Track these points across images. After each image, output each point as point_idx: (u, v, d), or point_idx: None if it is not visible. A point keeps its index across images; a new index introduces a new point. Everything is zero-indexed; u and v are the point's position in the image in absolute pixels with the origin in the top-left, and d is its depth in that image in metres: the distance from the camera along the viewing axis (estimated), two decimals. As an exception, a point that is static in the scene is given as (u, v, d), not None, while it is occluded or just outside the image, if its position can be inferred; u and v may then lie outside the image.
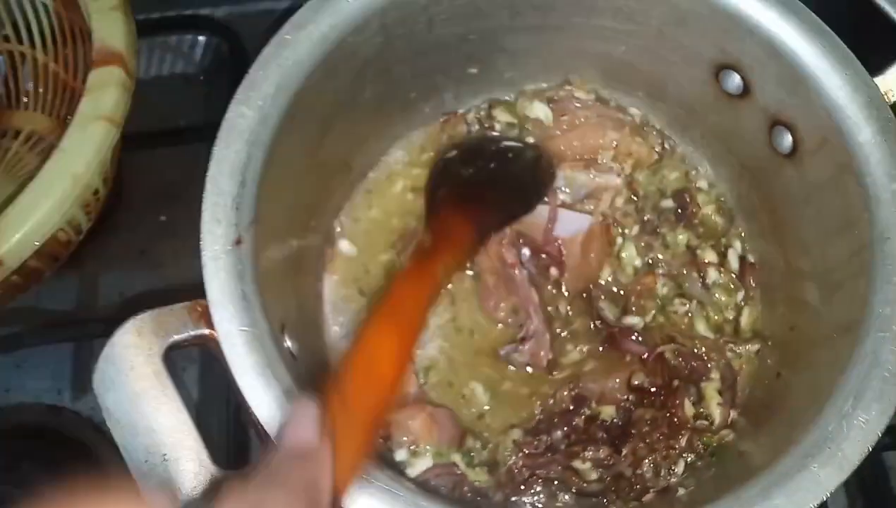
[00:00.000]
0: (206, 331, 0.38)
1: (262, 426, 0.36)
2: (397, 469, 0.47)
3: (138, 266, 0.64)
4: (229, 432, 0.56)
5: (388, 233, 0.56)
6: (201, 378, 0.60)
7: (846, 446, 0.37)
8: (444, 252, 0.47)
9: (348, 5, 0.46)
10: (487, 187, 0.54)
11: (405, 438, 0.48)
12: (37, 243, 0.46)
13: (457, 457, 0.49)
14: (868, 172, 0.42)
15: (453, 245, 0.48)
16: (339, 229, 0.57)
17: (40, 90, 0.64)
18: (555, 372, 0.53)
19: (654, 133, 0.58)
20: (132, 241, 0.65)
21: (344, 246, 0.56)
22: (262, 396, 0.36)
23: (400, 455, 0.48)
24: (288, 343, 0.43)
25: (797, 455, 0.37)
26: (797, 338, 0.49)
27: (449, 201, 0.53)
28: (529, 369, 0.52)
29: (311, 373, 0.44)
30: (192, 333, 0.38)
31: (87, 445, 0.58)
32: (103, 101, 0.48)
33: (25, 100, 0.65)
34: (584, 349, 0.54)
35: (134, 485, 0.34)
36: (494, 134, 0.59)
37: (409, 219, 0.56)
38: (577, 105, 0.59)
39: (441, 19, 0.51)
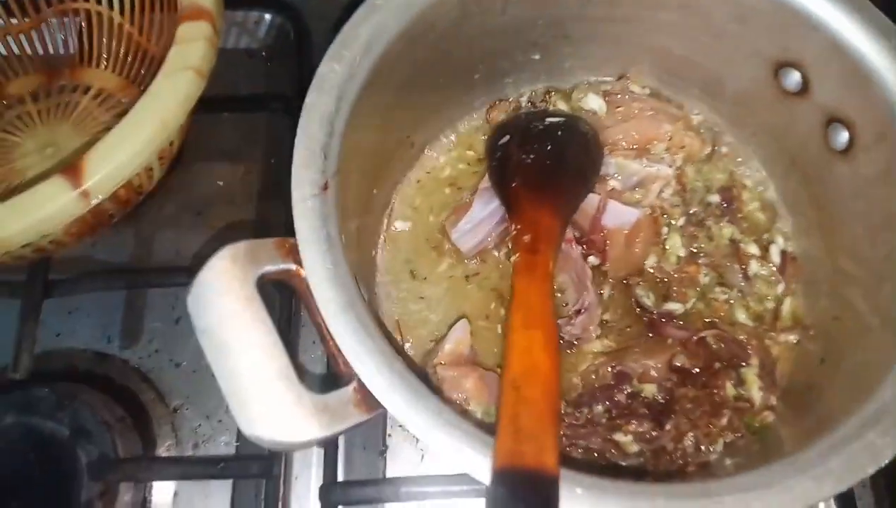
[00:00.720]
0: (294, 267, 0.40)
1: (343, 356, 0.37)
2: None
3: (193, 227, 0.66)
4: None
5: (439, 211, 0.59)
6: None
7: (890, 430, 0.38)
8: (546, 244, 0.49)
9: (432, -20, 0.49)
10: (553, 171, 0.56)
11: (457, 395, 0.49)
12: (119, 182, 0.48)
13: None
14: (925, 167, 0.44)
15: (549, 235, 0.50)
16: (393, 206, 0.59)
17: (114, 50, 0.67)
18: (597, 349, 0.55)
19: (707, 128, 0.61)
20: (189, 203, 0.67)
21: (398, 223, 0.59)
22: (345, 331, 0.38)
23: None
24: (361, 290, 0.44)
25: (854, 424, 0.39)
26: (841, 328, 0.50)
27: (528, 193, 0.54)
28: (577, 342, 0.54)
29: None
30: (282, 267, 0.39)
31: (134, 392, 0.60)
32: (191, 53, 0.50)
33: (99, 57, 0.67)
34: (627, 330, 0.55)
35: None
36: (537, 109, 0.61)
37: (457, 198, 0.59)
38: (633, 98, 0.61)
39: (514, 1, 0.54)
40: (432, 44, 0.52)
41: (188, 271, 0.55)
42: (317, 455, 0.56)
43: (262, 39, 0.75)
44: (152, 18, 0.64)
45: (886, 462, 0.37)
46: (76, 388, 0.58)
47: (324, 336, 0.38)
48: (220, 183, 0.68)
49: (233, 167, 0.69)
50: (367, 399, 0.37)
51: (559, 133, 0.59)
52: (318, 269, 0.39)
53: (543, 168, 0.56)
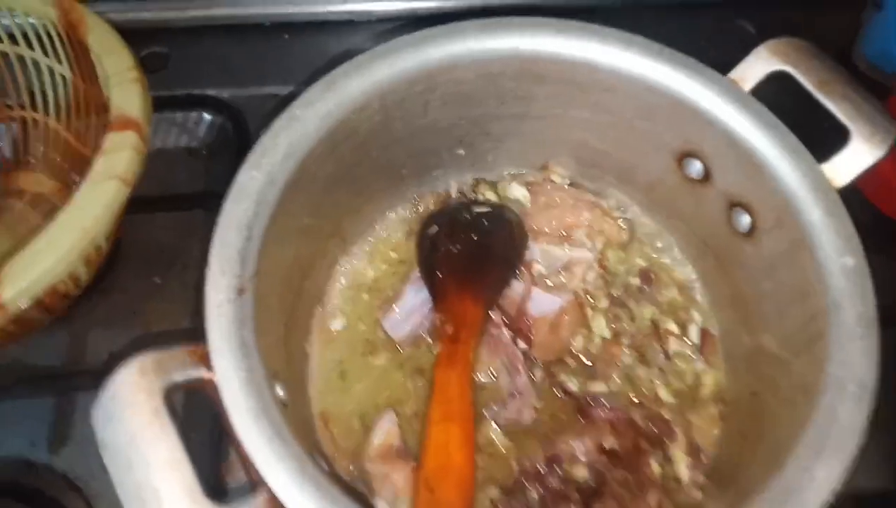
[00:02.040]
0: (206, 375, 0.40)
1: (254, 467, 0.37)
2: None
3: (129, 326, 0.65)
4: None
5: (371, 306, 0.59)
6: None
7: (807, 496, 0.39)
8: (468, 333, 0.51)
9: (352, 87, 0.51)
10: (478, 259, 0.58)
11: (388, 492, 0.49)
12: (40, 291, 0.48)
13: None
14: (820, 247, 0.46)
15: (471, 324, 0.52)
16: (327, 296, 0.60)
17: (49, 155, 0.68)
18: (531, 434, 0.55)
19: (623, 215, 0.63)
20: (124, 302, 0.66)
21: (331, 316, 0.59)
22: (257, 439, 0.38)
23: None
24: (280, 392, 0.44)
25: (780, 488, 0.39)
26: (759, 403, 0.52)
27: (453, 283, 0.56)
28: (512, 426, 0.54)
29: (298, 422, 0.46)
30: (192, 375, 0.39)
31: (62, 504, 0.58)
32: (117, 162, 0.52)
33: (33, 162, 0.68)
34: (559, 414, 0.56)
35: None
36: (466, 200, 0.64)
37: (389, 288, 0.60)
38: (554, 187, 0.64)
39: (436, 105, 0.56)
40: (356, 146, 0.54)
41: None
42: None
43: (202, 138, 0.77)
44: (88, 123, 0.65)
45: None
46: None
47: (234, 444, 0.38)
48: (158, 280, 0.68)
49: (170, 264, 0.69)
50: (277, 508, 0.37)
51: (485, 222, 0.61)
52: (229, 376, 0.39)
53: (469, 257, 0.58)
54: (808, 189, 0.48)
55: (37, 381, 0.61)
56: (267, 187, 0.47)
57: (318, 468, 0.39)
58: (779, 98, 0.52)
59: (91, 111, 0.64)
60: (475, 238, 0.59)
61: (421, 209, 0.64)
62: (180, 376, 0.39)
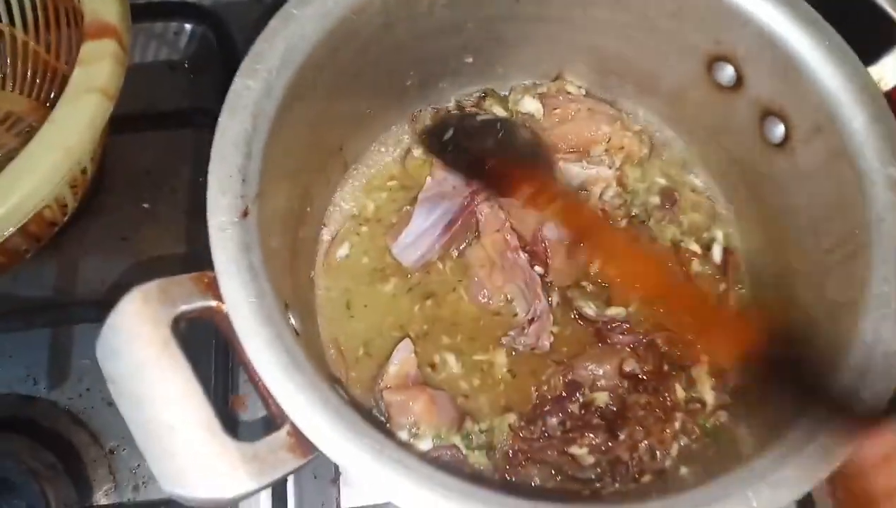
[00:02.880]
0: (214, 303, 0.37)
1: (272, 396, 0.35)
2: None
3: (120, 253, 0.62)
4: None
5: (375, 234, 0.56)
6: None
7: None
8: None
9: (354, -18, 0.46)
10: (516, 148, 0.56)
11: (406, 420, 0.47)
12: (23, 217, 0.44)
13: (456, 439, 0.48)
14: (863, 157, 0.43)
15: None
16: (330, 221, 0.56)
17: (20, 70, 0.62)
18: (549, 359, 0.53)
19: (645, 128, 0.60)
20: (114, 227, 0.63)
21: (336, 245, 0.56)
22: (274, 369, 0.36)
23: (401, 436, 0.48)
24: (292, 320, 0.42)
25: (805, 427, 0.38)
26: (787, 323, 0.50)
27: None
28: (532, 349, 0.52)
29: (311, 351, 0.43)
30: (200, 304, 0.37)
31: (64, 435, 0.56)
32: (97, 73, 0.47)
33: (2, 78, 0.62)
34: (574, 339, 0.54)
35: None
36: (464, 112, 0.60)
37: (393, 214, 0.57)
38: (569, 99, 0.60)
39: (442, 4, 0.51)
40: (357, 52, 0.50)
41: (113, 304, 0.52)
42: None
43: (184, 51, 0.71)
44: (59, 35, 0.59)
45: (838, 464, 0.37)
46: (-1, 436, 0.55)
47: (251, 376, 0.36)
48: (146, 205, 0.65)
49: (158, 187, 0.65)
50: (301, 442, 0.35)
51: (499, 127, 0.58)
52: (240, 304, 0.37)
53: (507, 147, 0.56)
54: (853, 93, 0.45)
55: (31, 313, 0.58)
56: (264, 98, 0.43)
57: (339, 396, 0.37)
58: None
59: (62, 21, 0.58)
60: (501, 136, 0.57)
61: (419, 127, 0.60)
62: (187, 305, 0.36)
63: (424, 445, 0.48)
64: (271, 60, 0.43)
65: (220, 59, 0.68)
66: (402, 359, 0.50)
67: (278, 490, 0.52)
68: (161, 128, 0.66)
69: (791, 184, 0.50)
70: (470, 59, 0.58)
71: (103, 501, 0.55)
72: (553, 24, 0.55)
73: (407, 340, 0.51)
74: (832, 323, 0.43)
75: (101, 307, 0.56)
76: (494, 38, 0.56)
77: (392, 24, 0.50)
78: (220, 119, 0.42)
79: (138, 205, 0.64)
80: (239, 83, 0.43)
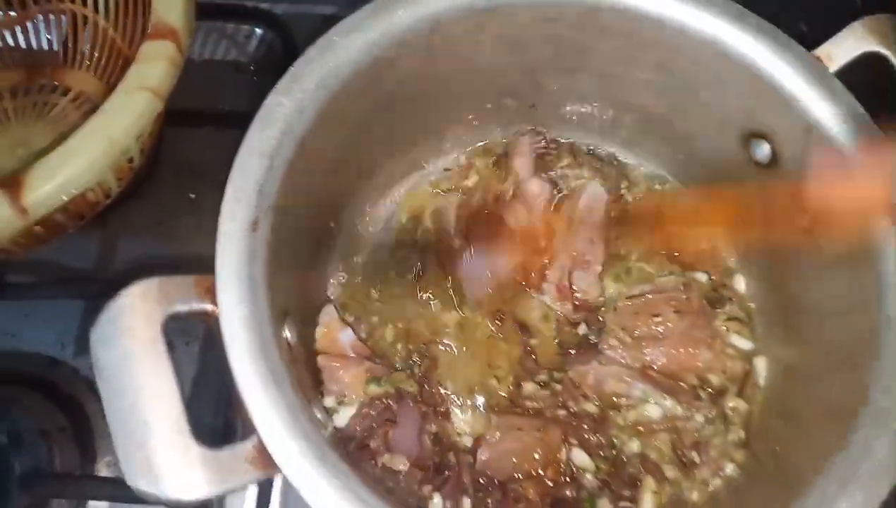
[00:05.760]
0: (209, 307, 0.39)
1: (246, 407, 0.36)
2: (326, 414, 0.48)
3: (159, 236, 0.65)
4: (218, 413, 0.56)
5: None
6: (201, 355, 0.60)
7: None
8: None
9: (400, 17, 0.48)
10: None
11: (335, 387, 0.48)
12: (64, 198, 0.47)
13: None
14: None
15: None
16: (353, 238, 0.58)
17: (96, 53, 0.66)
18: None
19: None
20: (158, 213, 0.66)
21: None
22: (252, 380, 0.37)
23: (328, 401, 0.49)
24: (287, 332, 0.43)
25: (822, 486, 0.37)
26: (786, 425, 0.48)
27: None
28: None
29: (305, 362, 0.45)
30: (195, 306, 0.38)
31: (79, 401, 0.59)
32: (151, 73, 0.50)
33: (80, 59, 0.67)
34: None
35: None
36: None
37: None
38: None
39: (487, 46, 0.52)
40: (396, 83, 0.51)
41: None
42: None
43: (251, 53, 0.74)
44: (135, 23, 0.63)
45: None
46: (19, 392, 0.58)
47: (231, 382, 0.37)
48: (192, 195, 0.68)
49: (207, 181, 0.68)
50: (264, 456, 0.36)
51: None
52: (230, 310, 0.38)
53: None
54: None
55: (68, 283, 0.62)
56: (295, 116, 0.44)
57: (311, 419, 0.38)
58: (870, 83, 0.45)
59: (139, 11, 0.62)
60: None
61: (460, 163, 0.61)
62: (183, 306, 0.38)
63: (349, 412, 0.48)
64: (307, 82, 0.45)
65: (284, 66, 0.71)
66: (326, 323, 0.51)
67: (264, 489, 0.54)
68: (218, 126, 0.69)
69: (811, 274, 0.48)
70: (509, 102, 0.58)
71: (104, 472, 0.57)
72: (593, 76, 0.55)
73: (329, 305, 0.53)
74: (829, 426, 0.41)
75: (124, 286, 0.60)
76: (536, 84, 0.56)
77: (433, 58, 0.51)
78: (248, 131, 0.44)
79: (185, 195, 0.67)
80: (272, 99, 0.45)
